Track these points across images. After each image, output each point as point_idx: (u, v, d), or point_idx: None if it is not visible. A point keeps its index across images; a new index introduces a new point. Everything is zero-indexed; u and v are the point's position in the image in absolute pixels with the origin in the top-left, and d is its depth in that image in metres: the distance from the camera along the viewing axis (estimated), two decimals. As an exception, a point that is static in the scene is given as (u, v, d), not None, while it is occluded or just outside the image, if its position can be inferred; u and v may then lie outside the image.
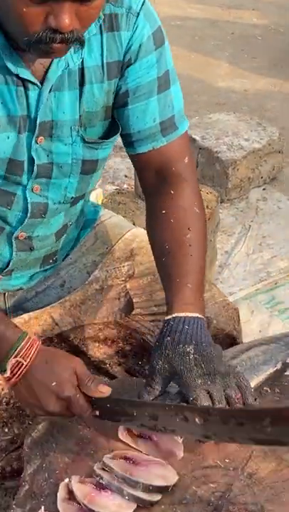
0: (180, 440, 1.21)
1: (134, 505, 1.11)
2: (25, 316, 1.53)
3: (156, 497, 1.12)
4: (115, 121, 1.44)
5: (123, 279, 1.61)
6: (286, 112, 4.40)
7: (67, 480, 1.14)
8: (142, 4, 1.36)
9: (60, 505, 1.11)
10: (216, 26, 5.86)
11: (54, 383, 1.21)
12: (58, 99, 1.33)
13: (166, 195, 1.43)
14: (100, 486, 1.12)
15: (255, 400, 1.22)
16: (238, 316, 1.65)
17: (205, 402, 1.17)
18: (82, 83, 1.34)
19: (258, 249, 3.07)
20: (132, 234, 1.69)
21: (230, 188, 3.38)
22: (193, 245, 1.38)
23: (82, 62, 1.33)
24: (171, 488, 1.14)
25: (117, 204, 2.60)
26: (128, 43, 1.35)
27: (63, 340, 1.56)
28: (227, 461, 1.19)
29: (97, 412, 1.22)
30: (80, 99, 1.35)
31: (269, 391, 1.33)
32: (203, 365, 1.20)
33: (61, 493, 1.13)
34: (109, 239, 1.68)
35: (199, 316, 1.28)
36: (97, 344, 1.58)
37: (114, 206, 2.59)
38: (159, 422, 1.15)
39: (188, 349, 1.21)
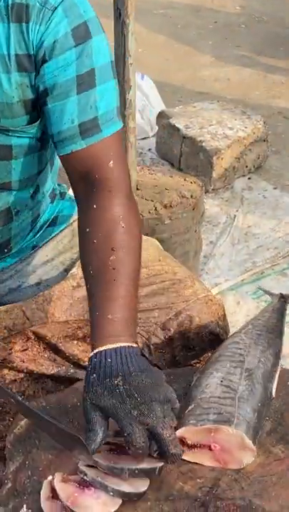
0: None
1: (120, 501, 1.08)
2: None
3: (142, 487, 1.09)
4: (38, 115, 1.38)
5: None
6: (270, 101, 4.39)
7: (50, 478, 1.12)
8: None
9: (43, 503, 1.09)
10: (199, 15, 5.83)
11: None
12: None
13: (89, 209, 1.33)
14: (84, 484, 1.09)
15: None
16: (224, 311, 1.62)
17: (140, 439, 1.08)
18: None
19: (243, 239, 3.05)
20: None
21: (214, 177, 3.36)
22: (118, 268, 1.26)
23: None
24: (158, 485, 1.11)
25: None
26: (40, 38, 1.28)
27: (40, 339, 1.54)
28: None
29: None
30: None
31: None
32: (136, 395, 1.11)
33: (45, 492, 1.10)
34: None
35: (122, 345, 1.18)
36: (75, 342, 1.56)
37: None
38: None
39: (116, 381, 1.12)
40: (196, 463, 1.15)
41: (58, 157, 1.49)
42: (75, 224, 1.65)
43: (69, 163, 1.37)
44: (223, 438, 1.14)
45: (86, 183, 1.36)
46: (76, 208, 1.67)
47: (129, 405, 1.10)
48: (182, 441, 1.16)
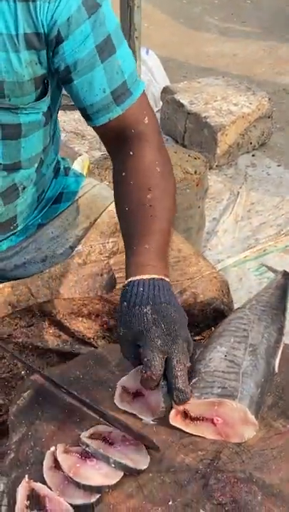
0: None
1: (121, 474, 1.09)
2: (1, 285, 1.51)
3: (144, 465, 1.10)
4: (46, 90, 1.38)
5: (107, 255, 1.58)
6: (276, 77, 4.36)
7: (53, 448, 1.13)
8: None
9: (46, 473, 1.10)
10: (205, -11, 5.78)
11: None
12: None
13: (126, 156, 1.38)
14: (86, 455, 1.10)
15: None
16: (228, 288, 1.63)
17: (158, 366, 1.12)
18: None
19: (246, 216, 3.05)
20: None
21: (218, 154, 3.34)
22: (155, 205, 1.31)
23: None
24: (160, 457, 1.12)
25: (104, 170, 2.57)
26: (52, 16, 1.26)
27: (45, 315, 1.54)
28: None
29: None
30: None
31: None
32: (163, 326, 1.15)
33: (47, 462, 1.11)
34: (92, 212, 1.65)
35: (157, 277, 1.21)
36: (80, 319, 1.56)
37: (101, 172, 2.56)
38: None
39: (144, 310, 1.16)
40: (198, 436, 1.16)
41: (59, 128, 1.49)
42: (80, 201, 1.65)
43: (106, 130, 1.40)
44: (226, 412, 1.15)
45: (121, 137, 1.39)
46: (81, 185, 1.68)
47: (155, 334, 1.14)
48: (185, 413, 1.17)
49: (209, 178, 3.05)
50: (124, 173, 1.37)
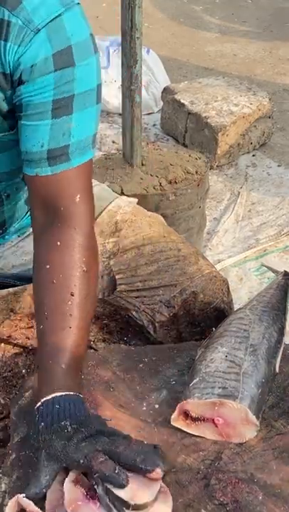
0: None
1: None
2: (4, 291, 1.51)
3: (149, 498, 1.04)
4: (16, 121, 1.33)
5: (107, 255, 1.58)
6: (276, 77, 4.36)
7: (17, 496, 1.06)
8: (51, 20, 1.21)
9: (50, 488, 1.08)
10: (206, -11, 5.78)
11: None
12: None
13: (52, 245, 1.28)
14: (91, 494, 1.04)
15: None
16: (228, 288, 1.63)
17: (109, 467, 1.04)
18: None
19: (247, 216, 3.05)
20: (115, 205, 1.65)
21: (219, 154, 3.35)
22: (74, 314, 1.22)
23: None
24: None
25: (105, 170, 2.57)
26: (18, 59, 1.22)
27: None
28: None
29: None
30: None
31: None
32: (83, 429, 1.09)
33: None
34: None
35: (71, 393, 1.15)
36: (81, 321, 1.57)
37: (102, 172, 2.56)
38: None
39: (63, 423, 1.10)
40: (200, 436, 1.17)
41: None
42: None
43: (33, 185, 1.31)
44: (227, 412, 1.15)
45: (49, 212, 1.30)
46: None
47: (76, 439, 1.08)
48: (186, 413, 1.17)
49: (210, 178, 3.06)
50: (48, 266, 1.27)
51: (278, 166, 3.40)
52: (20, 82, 1.24)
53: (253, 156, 3.48)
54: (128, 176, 2.55)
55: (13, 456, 1.17)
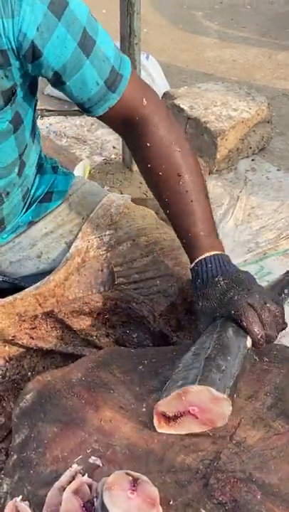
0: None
1: None
2: (11, 297, 1.52)
3: None
4: (9, 99, 1.37)
5: (105, 248, 1.59)
6: (275, 82, 4.38)
7: (75, 466, 1.10)
8: None
9: (51, 491, 1.08)
10: (205, -5, 5.80)
11: None
12: None
13: (143, 148, 1.42)
14: (88, 507, 1.04)
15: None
16: None
17: (247, 309, 1.25)
18: None
19: (246, 220, 3.06)
20: (108, 199, 1.67)
21: (218, 158, 3.36)
22: (190, 190, 1.40)
23: None
24: (161, 457, 1.14)
25: (105, 174, 2.59)
26: (19, 30, 1.24)
27: (48, 315, 1.55)
28: (215, 429, 1.19)
29: None
30: None
31: (258, 360, 1.33)
32: (235, 285, 1.29)
33: (60, 481, 1.08)
34: (84, 208, 1.66)
35: (218, 253, 1.36)
36: (82, 317, 1.58)
37: (102, 177, 2.58)
38: None
39: (216, 279, 1.31)
40: (197, 436, 1.17)
41: (39, 130, 1.49)
42: (71, 198, 1.67)
43: (109, 118, 1.43)
44: (194, 398, 1.15)
45: (129, 125, 1.43)
46: (70, 183, 1.69)
47: (232, 294, 1.27)
48: (164, 416, 1.18)
49: (209, 183, 3.07)
50: (149, 165, 1.43)
51: (277, 170, 3.42)
52: (36, 52, 1.27)
53: (253, 160, 3.49)
54: (128, 180, 2.56)
55: (15, 457, 1.17)
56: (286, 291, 1.44)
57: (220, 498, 1.07)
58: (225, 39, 5.07)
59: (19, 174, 1.53)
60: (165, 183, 1.41)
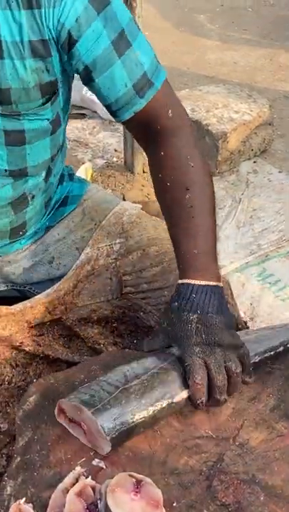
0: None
1: None
2: (21, 305, 1.52)
3: None
4: (52, 95, 1.38)
5: (114, 257, 1.59)
6: (277, 84, 4.38)
7: (78, 468, 1.11)
8: None
9: (55, 493, 1.08)
10: (206, -2, 5.80)
11: None
12: None
13: (158, 156, 1.40)
14: (91, 509, 1.05)
15: (250, 377, 1.24)
16: (230, 289, 1.64)
17: (199, 369, 1.18)
18: (1, 56, 1.29)
19: (248, 222, 3.06)
20: (121, 207, 1.67)
21: (220, 161, 3.36)
22: (194, 205, 1.34)
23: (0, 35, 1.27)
24: (164, 459, 1.14)
25: (106, 177, 2.59)
26: (58, 21, 1.27)
27: (56, 322, 1.55)
28: (219, 431, 1.20)
29: None
30: None
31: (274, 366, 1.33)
32: (203, 335, 1.21)
33: (63, 483, 1.09)
34: (98, 214, 1.67)
35: (210, 283, 1.27)
36: (90, 325, 1.58)
37: (104, 180, 2.58)
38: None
39: (191, 317, 1.23)
40: (201, 438, 1.17)
41: (66, 141, 1.49)
42: (85, 203, 1.68)
43: (132, 123, 1.41)
44: (87, 420, 1.14)
45: (150, 134, 1.40)
46: (85, 189, 1.70)
47: (194, 341, 1.20)
48: (62, 411, 1.19)
49: (211, 185, 3.07)
50: (160, 175, 1.40)
51: (279, 172, 3.42)
52: (72, 42, 1.29)
53: (254, 162, 3.49)
54: (130, 183, 2.57)
55: (18, 459, 1.18)
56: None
57: (223, 500, 1.07)
58: (226, 41, 5.08)
59: (46, 180, 1.55)
60: (172, 193, 1.37)
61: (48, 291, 1.55)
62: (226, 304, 1.28)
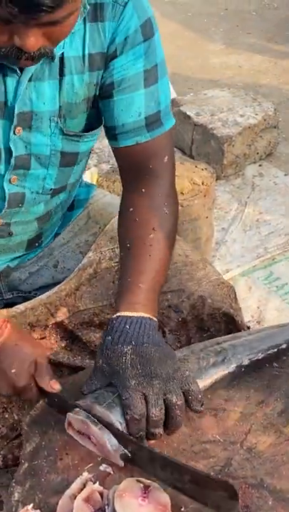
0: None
1: None
2: (22, 306, 1.53)
3: None
4: (98, 113, 1.41)
5: (117, 260, 1.59)
6: (281, 87, 4.38)
7: (85, 474, 1.11)
8: None
9: (62, 499, 1.08)
10: (210, 2, 5.80)
11: (13, 371, 1.23)
12: (38, 89, 1.30)
13: (137, 192, 1.40)
14: None
15: (202, 405, 1.19)
16: (235, 294, 1.64)
17: (136, 403, 1.13)
18: (61, 73, 1.31)
19: (254, 225, 3.06)
20: None
21: (225, 164, 3.36)
22: (154, 246, 1.34)
23: (63, 52, 1.29)
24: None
25: (112, 182, 2.59)
26: (112, 34, 1.31)
27: (58, 326, 1.55)
28: (226, 435, 1.19)
29: (46, 400, 1.25)
30: (59, 90, 1.32)
31: (267, 366, 1.33)
32: (139, 367, 1.16)
33: (71, 489, 1.09)
34: (102, 218, 1.67)
35: (145, 315, 1.24)
36: (92, 329, 1.57)
37: (110, 184, 2.58)
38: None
39: (125, 349, 1.18)
40: (209, 443, 1.17)
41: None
42: (91, 207, 1.68)
43: (126, 153, 1.41)
44: (96, 435, 1.15)
45: (138, 169, 1.41)
46: (91, 193, 1.70)
47: (129, 374, 1.16)
48: (70, 424, 1.18)
49: (217, 189, 3.07)
50: (131, 209, 1.40)
51: (285, 175, 3.42)
52: (113, 57, 1.32)
53: (260, 165, 3.49)
54: (135, 188, 2.56)
55: (26, 465, 1.18)
56: None
57: (231, 505, 1.06)
58: (230, 45, 5.08)
59: (71, 194, 1.59)
60: (137, 229, 1.36)
61: (48, 293, 1.55)
62: (161, 337, 1.24)
